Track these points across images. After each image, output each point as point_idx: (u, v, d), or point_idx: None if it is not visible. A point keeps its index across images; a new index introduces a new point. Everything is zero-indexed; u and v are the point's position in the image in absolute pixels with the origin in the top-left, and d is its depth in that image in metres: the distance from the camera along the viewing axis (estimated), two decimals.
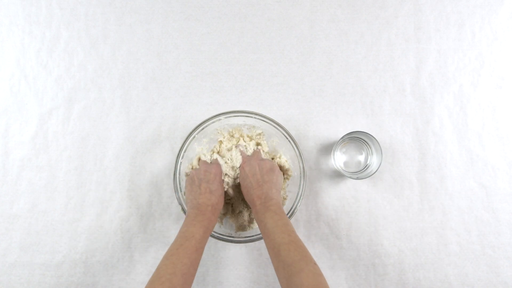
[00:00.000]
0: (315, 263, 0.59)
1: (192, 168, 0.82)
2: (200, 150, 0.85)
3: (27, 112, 0.91)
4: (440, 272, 0.88)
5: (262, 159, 0.79)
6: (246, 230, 0.85)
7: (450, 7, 0.94)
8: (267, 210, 0.69)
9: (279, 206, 0.70)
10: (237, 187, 0.82)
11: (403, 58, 0.93)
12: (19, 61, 0.92)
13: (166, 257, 0.64)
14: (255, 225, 0.85)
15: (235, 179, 0.81)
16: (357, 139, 0.88)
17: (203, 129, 0.83)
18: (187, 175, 0.82)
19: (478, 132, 0.91)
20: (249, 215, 0.85)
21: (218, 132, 0.87)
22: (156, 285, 0.59)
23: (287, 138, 0.84)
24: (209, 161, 0.81)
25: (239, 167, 0.79)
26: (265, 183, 0.74)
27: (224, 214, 0.85)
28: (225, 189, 0.80)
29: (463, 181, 0.90)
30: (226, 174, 0.80)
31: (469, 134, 0.91)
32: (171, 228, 0.89)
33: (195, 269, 0.65)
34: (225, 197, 0.82)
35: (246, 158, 0.80)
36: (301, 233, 0.89)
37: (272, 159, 0.85)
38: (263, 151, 0.85)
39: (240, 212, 0.85)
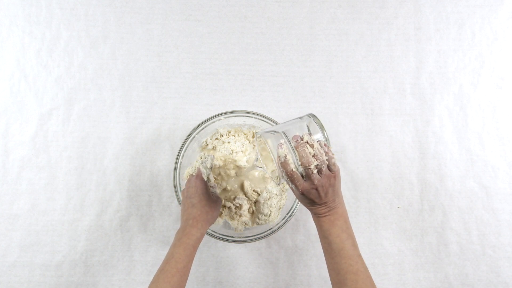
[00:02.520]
0: None
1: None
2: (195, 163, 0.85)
3: (27, 112, 0.91)
4: (440, 272, 0.88)
5: (326, 169, 0.64)
6: (249, 225, 0.85)
7: (450, 7, 0.94)
8: (333, 225, 0.63)
9: (344, 220, 0.64)
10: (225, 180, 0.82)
11: (403, 58, 0.93)
12: (19, 61, 0.92)
13: (149, 285, 0.64)
14: (260, 220, 0.85)
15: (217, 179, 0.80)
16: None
17: (203, 129, 0.83)
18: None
19: (478, 132, 0.91)
20: (249, 207, 0.85)
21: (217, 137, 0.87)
22: None
23: None
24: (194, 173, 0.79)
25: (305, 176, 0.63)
26: (330, 194, 0.64)
27: (221, 216, 0.85)
28: (213, 192, 0.77)
29: (463, 181, 0.90)
30: (208, 179, 0.76)
31: (469, 134, 0.91)
32: (171, 228, 0.89)
33: None
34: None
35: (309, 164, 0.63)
36: (301, 233, 0.89)
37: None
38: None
39: (238, 207, 0.85)
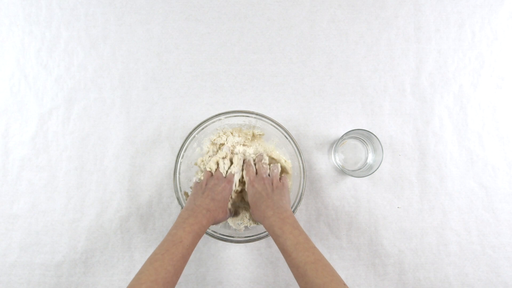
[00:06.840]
0: (345, 284, 0.58)
1: (201, 175, 0.82)
2: (217, 156, 0.84)
3: (27, 112, 0.91)
4: (440, 272, 0.88)
5: (268, 176, 0.81)
6: (249, 225, 0.85)
7: (450, 7, 0.94)
8: (284, 223, 0.66)
9: (294, 218, 0.68)
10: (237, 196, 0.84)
11: (403, 58, 0.93)
12: (19, 61, 0.92)
13: (150, 262, 0.61)
14: (259, 225, 0.85)
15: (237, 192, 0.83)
16: (357, 137, 0.88)
17: (203, 129, 0.83)
18: (195, 183, 0.81)
19: (478, 132, 0.91)
20: (249, 218, 0.85)
21: (219, 135, 0.86)
22: None
23: (287, 138, 0.84)
24: (224, 174, 0.80)
25: (247, 185, 0.79)
26: (275, 194, 0.73)
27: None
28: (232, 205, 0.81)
29: (463, 181, 0.90)
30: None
31: (469, 134, 0.91)
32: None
33: (178, 277, 0.63)
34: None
35: (253, 176, 0.79)
36: None
37: (273, 158, 0.85)
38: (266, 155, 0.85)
39: (238, 213, 0.85)
